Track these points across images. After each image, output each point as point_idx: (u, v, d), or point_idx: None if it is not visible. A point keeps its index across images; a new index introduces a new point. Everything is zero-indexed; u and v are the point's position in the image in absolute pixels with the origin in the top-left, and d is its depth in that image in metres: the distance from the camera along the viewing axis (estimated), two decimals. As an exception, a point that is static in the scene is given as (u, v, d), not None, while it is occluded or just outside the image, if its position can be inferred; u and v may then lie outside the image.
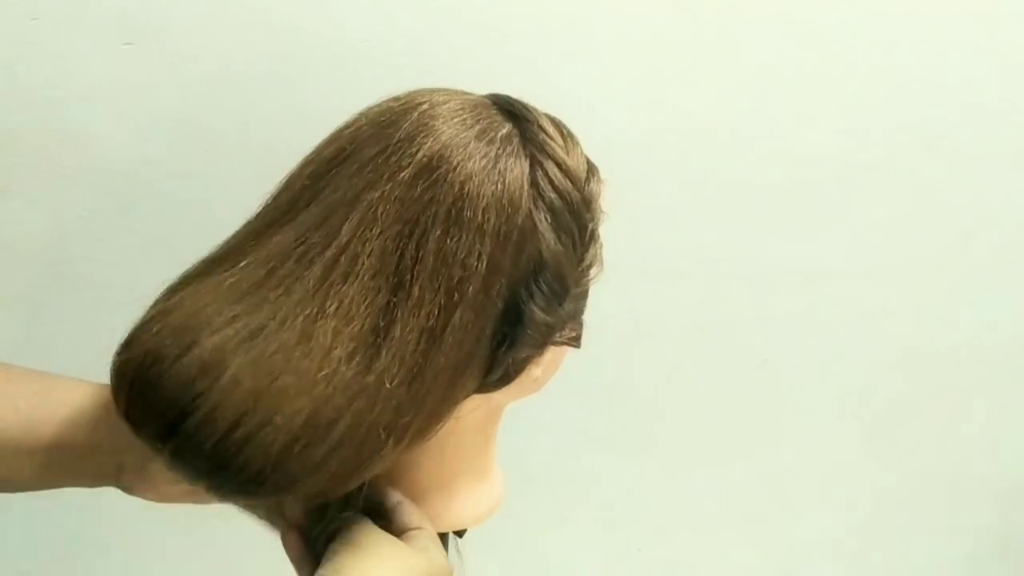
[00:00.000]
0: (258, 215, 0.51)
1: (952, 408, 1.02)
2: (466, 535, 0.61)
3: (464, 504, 0.58)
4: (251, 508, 0.55)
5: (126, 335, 0.47)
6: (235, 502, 0.51)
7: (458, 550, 0.61)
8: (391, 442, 0.47)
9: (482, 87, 0.55)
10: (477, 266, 0.47)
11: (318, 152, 0.51)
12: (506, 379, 0.53)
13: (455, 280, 0.47)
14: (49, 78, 0.73)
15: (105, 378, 0.49)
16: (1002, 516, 1.10)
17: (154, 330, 0.46)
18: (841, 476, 1.03)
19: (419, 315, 0.46)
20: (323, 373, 0.45)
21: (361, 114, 0.52)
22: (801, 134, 0.86)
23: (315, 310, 0.46)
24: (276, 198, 0.50)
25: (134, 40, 0.73)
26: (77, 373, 0.82)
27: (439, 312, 0.47)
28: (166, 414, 0.45)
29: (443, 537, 0.60)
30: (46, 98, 0.74)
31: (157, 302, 0.49)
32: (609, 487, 0.99)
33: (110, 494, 0.55)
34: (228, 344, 0.45)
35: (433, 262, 0.47)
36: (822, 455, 1.02)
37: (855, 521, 1.06)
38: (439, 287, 0.47)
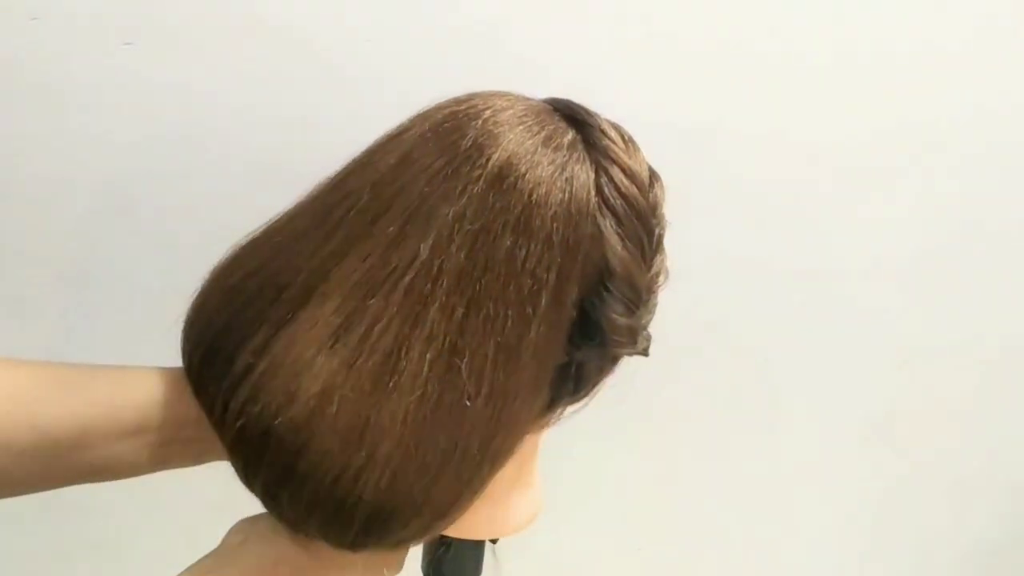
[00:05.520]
0: (322, 227, 0.49)
1: (952, 408, 1.02)
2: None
3: (509, 512, 0.58)
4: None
5: (226, 386, 0.47)
6: (355, 549, 0.50)
7: (494, 553, 0.61)
8: (486, 463, 0.47)
9: (484, 86, 0.55)
10: (547, 277, 0.47)
11: (377, 158, 0.49)
12: (590, 391, 0.53)
13: (526, 292, 0.46)
14: (49, 78, 0.73)
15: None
16: (1002, 516, 1.10)
17: (258, 384, 0.46)
18: (841, 476, 1.03)
19: (493, 330, 0.46)
20: (413, 398, 0.45)
21: (420, 118, 0.50)
22: (801, 134, 0.86)
23: (400, 337, 0.45)
24: (338, 207, 0.49)
25: (134, 40, 0.73)
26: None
27: (513, 326, 0.46)
28: (276, 463, 0.45)
29: (479, 543, 0.61)
30: (46, 98, 0.74)
31: (256, 345, 0.47)
32: (609, 487, 0.99)
33: (110, 494, 0.55)
34: (327, 387, 0.45)
35: (504, 275, 0.46)
36: (822, 455, 1.02)
37: (855, 521, 1.06)
38: (511, 300, 0.46)
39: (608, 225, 0.49)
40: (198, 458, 0.54)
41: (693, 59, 0.82)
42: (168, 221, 0.79)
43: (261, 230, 0.52)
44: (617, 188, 0.49)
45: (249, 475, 0.48)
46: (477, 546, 0.60)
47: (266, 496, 0.48)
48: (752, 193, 0.88)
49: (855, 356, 0.97)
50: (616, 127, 0.52)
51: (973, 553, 1.11)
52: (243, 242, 0.51)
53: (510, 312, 0.46)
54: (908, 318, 0.97)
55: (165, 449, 0.52)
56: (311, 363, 0.45)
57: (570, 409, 0.54)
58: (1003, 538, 1.11)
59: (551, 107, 0.51)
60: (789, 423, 0.99)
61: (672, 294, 0.89)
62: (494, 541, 0.61)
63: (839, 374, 0.98)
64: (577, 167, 0.48)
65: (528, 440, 0.54)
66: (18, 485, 0.50)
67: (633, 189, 0.50)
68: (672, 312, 0.91)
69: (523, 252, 0.46)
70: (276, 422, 0.45)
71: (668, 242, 0.53)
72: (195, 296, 0.51)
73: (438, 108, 0.50)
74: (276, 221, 0.52)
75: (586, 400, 0.54)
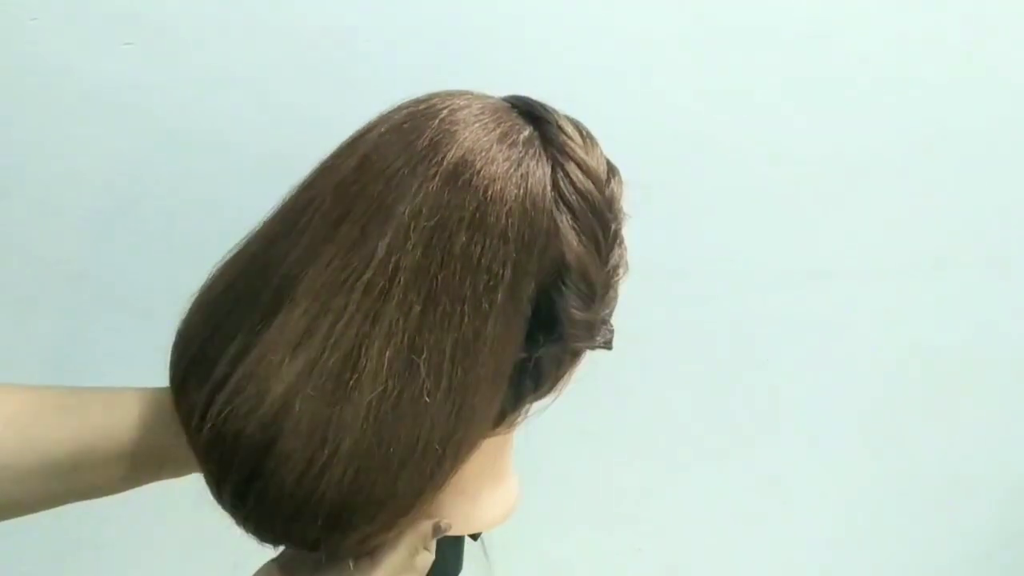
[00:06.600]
0: (291, 232, 0.49)
1: (952, 408, 1.02)
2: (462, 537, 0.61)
3: (483, 507, 0.58)
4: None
5: (204, 396, 0.47)
6: (321, 549, 0.50)
7: (485, 551, 0.61)
8: (448, 457, 0.47)
9: (482, 86, 0.55)
10: (503, 272, 0.47)
11: (340, 160, 0.50)
12: (551, 386, 0.53)
13: (482, 287, 0.46)
14: (49, 78, 0.73)
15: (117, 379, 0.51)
16: (1002, 516, 1.10)
17: (233, 391, 0.46)
18: (841, 476, 1.03)
19: (451, 326, 0.46)
20: (374, 395, 0.45)
21: (381, 119, 0.51)
22: (801, 134, 0.87)
23: (360, 335, 0.45)
24: (305, 212, 0.49)
25: (134, 40, 0.73)
26: (77, 372, 0.82)
27: (470, 321, 0.46)
28: (245, 464, 0.46)
29: (458, 540, 0.61)
30: (46, 97, 0.74)
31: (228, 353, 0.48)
32: (609, 487, 0.99)
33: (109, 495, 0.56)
34: (291, 387, 0.45)
35: (460, 271, 0.46)
36: (822, 455, 1.02)
37: (855, 521, 1.06)
38: (467, 296, 0.46)
39: (564, 220, 0.49)
40: (183, 469, 0.55)
41: (694, 58, 0.82)
42: (168, 221, 0.79)
43: (242, 241, 0.52)
44: (573, 184, 0.49)
45: (220, 482, 0.48)
46: (456, 542, 0.61)
47: (234, 500, 0.48)
48: (753, 193, 0.88)
49: (855, 356, 0.97)
50: (574, 123, 0.52)
51: (972, 553, 1.11)
52: (226, 256, 0.52)
53: (466, 308, 0.46)
54: (908, 318, 0.97)
55: (158, 465, 0.54)
56: (279, 366, 0.46)
57: (536, 406, 0.54)
58: (1002, 538, 1.11)
59: (509, 104, 0.52)
60: (789, 423, 0.99)
61: (673, 294, 0.90)
62: (475, 537, 0.61)
63: (839, 374, 0.98)
64: (533, 163, 0.48)
65: (498, 436, 0.54)
66: (21, 507, 0.51)
67: (589, 184, 0.50)
68: (673, 312, 0.92)
69: (478, 248, 0.46)
70: (246, 424, 0.45)
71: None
72: (183, 313, 0.52)
73: (398, 109, 0.51)
74: (253, 230, 0.52)
75: (552, 396, 0.54)
